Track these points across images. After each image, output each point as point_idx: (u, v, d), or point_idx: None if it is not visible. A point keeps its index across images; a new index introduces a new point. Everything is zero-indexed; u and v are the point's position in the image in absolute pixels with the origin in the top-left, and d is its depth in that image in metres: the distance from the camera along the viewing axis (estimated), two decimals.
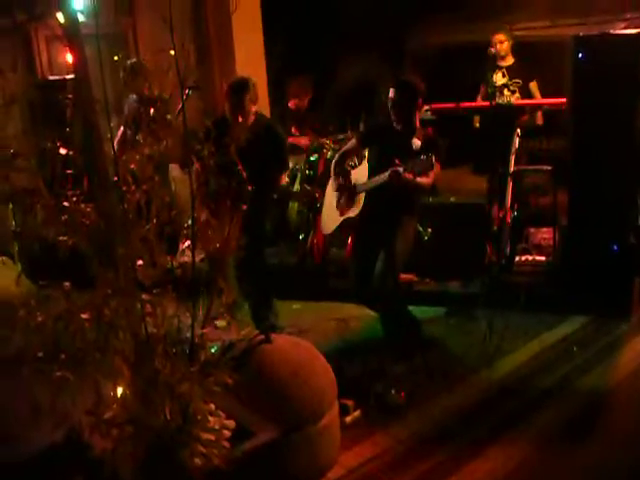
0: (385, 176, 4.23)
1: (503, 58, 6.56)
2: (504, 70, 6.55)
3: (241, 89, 4.53)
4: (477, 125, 6.73)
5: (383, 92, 4.66)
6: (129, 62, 6.07)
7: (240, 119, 4.48)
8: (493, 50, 6.34)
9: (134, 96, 6.11)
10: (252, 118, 4.60)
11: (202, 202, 2.97)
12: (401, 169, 4.09)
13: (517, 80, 6.50)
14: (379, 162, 4.47)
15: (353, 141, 4.74)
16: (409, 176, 4.09)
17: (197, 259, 2.69)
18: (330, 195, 4.92)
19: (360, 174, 4.70)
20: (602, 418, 3.79)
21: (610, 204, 4.95)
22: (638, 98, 4.88)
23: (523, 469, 3.33)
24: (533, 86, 6.53)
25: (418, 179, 4.14)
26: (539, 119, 6.41)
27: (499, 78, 6.56)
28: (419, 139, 4.34)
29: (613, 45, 4.83)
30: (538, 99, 6.45)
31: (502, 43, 6.49)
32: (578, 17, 7.06)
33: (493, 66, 6.43)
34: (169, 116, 2.60)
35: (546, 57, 6.65)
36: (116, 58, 5.67)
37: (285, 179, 4.82)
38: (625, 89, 4.80)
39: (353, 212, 4.64)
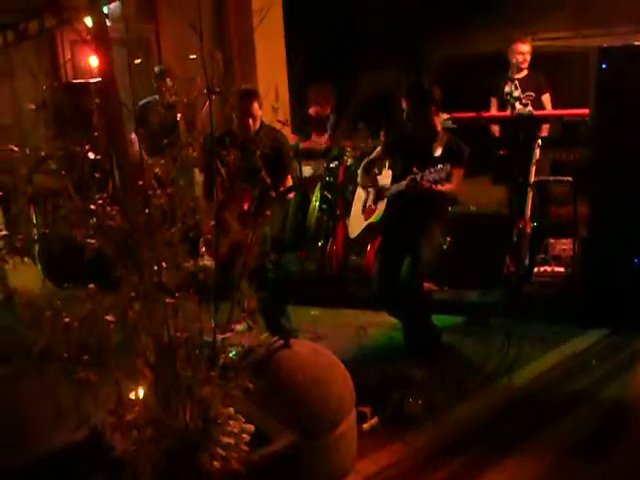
0: (402, 185, 4.27)
1: (520, 70, 6.43)
2: (516, 82, 6.43)
3: (249, 95, 4.68)
4: (497, 135, 6.68)
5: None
6: (157, 68, 6.17)
7: (250, 123, 4.61)
8: (514, 60, 6.26)
9: (156, 97, 6.19)
10: (258, 124, 4.71)
11: (225, 207, 3.00)
12: (418, 177, 4.12)
13: (530, 93, 6.41)
14: (401, 169, 4.50)
15: (379, 149, 4.79)
16: (426, 184, 4.10)
17: (211, 264, 2.71)
18: (358, 201, 4.99)
19: (384, 181, 4.76)
20: (621, 431, 3.76)
21: (631, 216, 4.93)
22: None
23: (542, 479, 3.31)
24: (545, 99, 6.42)
25: (439, 186, 4.15)
26: (544, 131, 6.30)
27: (512, 90, 6.46)
28: (441, 144, 4.35)
29: (637, 56, 4.81)
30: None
31: (524, 55, 6.36)
32: (601, 28, 7.04)
33: (506, 77, 6.35)
34: (194, 120, 2.63)
35: (561, 69, 6.61)
36: (138, 61, 5.73)
37: (289, 182, 4.89)
38: None
39: (375, 217, 4.69)
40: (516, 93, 6.39)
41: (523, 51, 6.35)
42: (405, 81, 4.49)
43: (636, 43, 5.10)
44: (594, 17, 7.15)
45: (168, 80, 6.01)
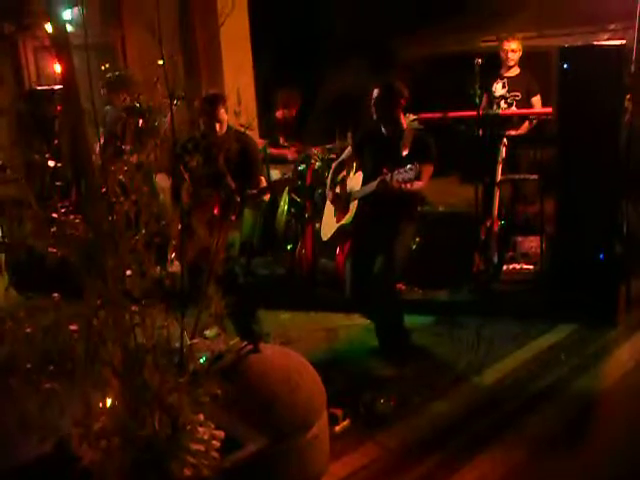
0: (373, 185, 4.28)
1: (509, 68, 6.42)
2: (505, 81, 6.45)
3: (215, 100, 4.71)
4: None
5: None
6: (109, 75, 6.10)
7: (217, 128, 4.61)
8: (503, 56, 6.24)
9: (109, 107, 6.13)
10: (225, 128, 4.71)
11: (190, 212, 2.98)
12: (388, 177, 4.13)
13: (516, 93, 6.43)
14: (371, 169, 4.51)
15: (348, 149, 4.79)
16: (396, 184, 4.12)
17: (178, 270, 2.70)
18: (330, 204, 5.00)
19: (354, 182, 4.77)
20: (590, 424, 3.82)
21: (596, 212, 5.00)
22: (622, 108, 4.95)
23: (513, 475, 3.34)
24: (535, 101, 6.41)
25: (408, 185, 4.16)
26: (523, 129, 6.35)
27: (498, 89, 6.45)
28: (408, 140, 4.36)
29: (597, 56, 4.88)
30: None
31: (514, 52, 6.32)
32: (563, 28, 7.13)
33: (496, 75, 6.34)
34: (157, 126, 2.62)
35: (530, 68, 6.66)
36: (103, 68, 5.71)
37: (263, 182, 4.89)
38: (609, 99, 4.85)
39: (346, 219, 4.69)
40: (502, 91, 6.39)
41: (510, 49, 6.34)
42: (372, 80, 4.47)
43: (595, 43, 5.18)
44: (555, 17, 7.24)
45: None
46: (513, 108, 6.34)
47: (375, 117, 4.46)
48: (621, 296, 5.16)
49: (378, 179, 4.22)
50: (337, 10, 8.15)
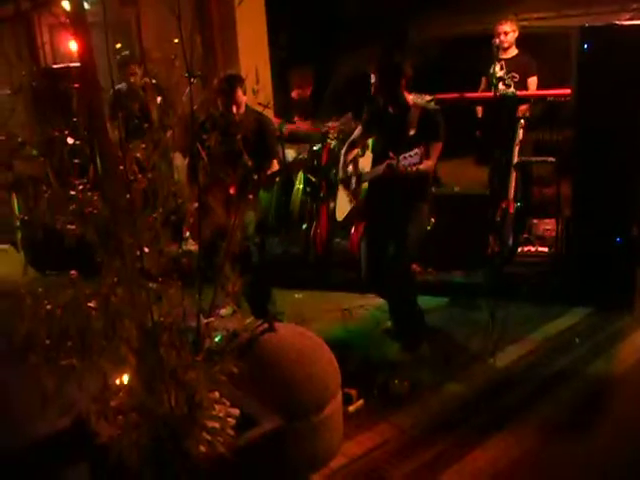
0: (380, 169, 4.25)
1: (505, 50, 6.38)
2: (503, 63, 6.41)
3: (233, 81, 4.66)
4: (480, 116, 6.67)
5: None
6: (119, 57, 6.13)
7: (234, 109, 4.58)
8: (497, 41, 6.24)
9: (124, 85, 6.17)
10: (243, 109, 4.68)
11: (207, 191, 2.98)
12: (394, 162, 4.08)
13: (514, 74, 6.38)
14: (380, 149, 4.49)
15: (359, 129, 4.75)
16: (403, 169, 4.08)
17: (195, 248, 2.70)
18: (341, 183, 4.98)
19: (365, 162, 4.74)
20: (605, 409, 3.81)
21: (614, 196, 4.96)
22: None
23: (525, 458, 3.35)
24: (531, 82, 6.36)
25: (414, 168, 4.12)
26: (522, 111, 6.26)
27: (497, 71, 6.41)
28: (415, 118, 4.30)
29: (618, 36, 4.81)
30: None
31: (507, 34, 6.30)
32: (583, 7, 7.03)
33: (495, 58, 6.31)
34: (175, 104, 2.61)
35: (549, 49, 6.59)
36: (118, 46, 5.72)
37: (276, 166, 4.87)
38: (630, 80, 4.78)
39: (358, 200, 4.68)
40: (500, 73, 6.34)
41: (503, 31, 6.31)
42: (385, 60, 4.39)
43: (616, 22, 5.10)
44: None
45: (134, 67, 6.00)
46: (512, 90, 6.28)
47: (379, 96, 4.41)
48: (637, 280, 5.13)
49: (385, 163, 4.18)
50: None
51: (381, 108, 4.46)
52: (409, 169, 4.06)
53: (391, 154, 4.13)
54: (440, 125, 4.33)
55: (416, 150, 4.00)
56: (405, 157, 4.03)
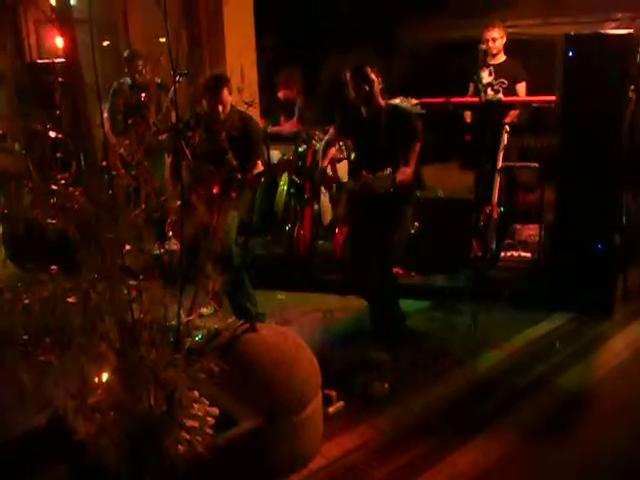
0: (356, 187, 4.20)
1: (494, 56, 6.39)
2: (491, 68, 6.44)
3: (219, 81, 4.64)
4: (468, 121, 6.68)
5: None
6: (127, 51, 6.14)
7: (220, 109, 4.57)
8: (484, 47, 6.26)
9: (128, 80, 6.15)
10: (228, 109, 4.67)
11: (190, 189, 2.97)
12: (369, 180, 4.01)
13: (502, 80, 6.40)
14: (358, 152, 4.49)
15: (331, 131, 4.75)
16: (378, 190, 4.00)
17: (177, 248, 2.69)
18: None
19: (343, 171, 4.76)
20: (583, 413, 3.84)
21: (596, 203, 4.99)
22: (626, 98, 4.92)
23: (505, 461, 3.36)
24: (520, 88, 6.38)
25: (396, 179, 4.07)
26: (511, 117, 6.28)
27: (485, 76, 6.43)
28: (388, 120, 4.27)
29: (603, 44, 4.85)
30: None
31: (495, 41, 6.31)
32: (570, 16, 7.08)
33: (483, 63, 6.33)
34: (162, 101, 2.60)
35: (536, 56, 6.62)
36: (106, 43, 5.68)
37: (260, 166, 4.84)
38: (614, 89, 4.82)
39: (339, 207, 4.69)
40: (488, 79, 6.36)
41: (491, 37, 6.33)
42: (373, 63, 4.37)
43: (602, 31, 5.13)
44: (562, 5, 7.19)
45: (140, 63, 5.98)
46: (500, 96, 6.30)
47: (355, 102, 4.39)
48: (618, 286, 5.17)
49: (360, 181, 4.11)
50: None
51: (355, 111, 4.44)
52: (383, 190, 3.98)
53: (364, 173, 4.04)
54: (414, 124, 4.29)
55: (387, 171, 3.93)
56: (378, 178, 3.94)
